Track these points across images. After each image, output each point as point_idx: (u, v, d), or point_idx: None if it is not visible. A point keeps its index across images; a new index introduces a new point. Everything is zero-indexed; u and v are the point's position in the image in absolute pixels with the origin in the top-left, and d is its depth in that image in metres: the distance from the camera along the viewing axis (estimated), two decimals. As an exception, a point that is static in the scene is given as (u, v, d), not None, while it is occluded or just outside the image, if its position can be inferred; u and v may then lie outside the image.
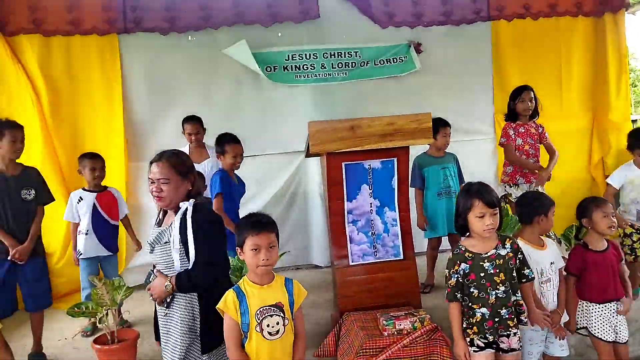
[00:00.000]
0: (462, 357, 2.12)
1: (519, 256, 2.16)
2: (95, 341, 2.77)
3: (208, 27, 4.69)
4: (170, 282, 1.97)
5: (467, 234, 2.17)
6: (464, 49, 5.16)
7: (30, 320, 3.16)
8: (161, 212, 2.21)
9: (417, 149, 3.73)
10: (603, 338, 2.43)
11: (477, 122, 5.21)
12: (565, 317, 2.41)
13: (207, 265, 1.99)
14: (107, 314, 2.75)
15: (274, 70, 4.88)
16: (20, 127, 3.04)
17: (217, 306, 1.90)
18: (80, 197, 3.47)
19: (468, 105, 5.16)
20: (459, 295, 2.12)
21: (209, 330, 2.01)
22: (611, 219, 2.43)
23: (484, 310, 2.08)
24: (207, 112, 4.42)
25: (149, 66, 4.66)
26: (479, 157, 5.15)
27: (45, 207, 3.24)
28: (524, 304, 2.16)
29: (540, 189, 3.77)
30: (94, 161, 3.49)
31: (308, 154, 3.21)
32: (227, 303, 1.87)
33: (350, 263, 3.05)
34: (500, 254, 2.10)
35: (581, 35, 5.31)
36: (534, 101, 3.88)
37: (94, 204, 3.46)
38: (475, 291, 2.09)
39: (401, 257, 3.12)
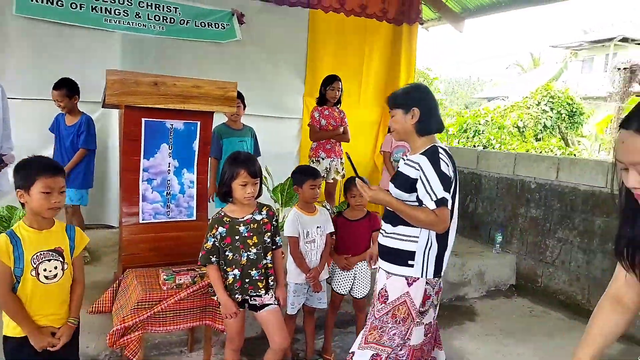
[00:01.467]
0: (231, 315, 2.24)
1: (274, 223, 2.33)
2: None
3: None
4: None
5: (230, 199, 2.27)
6: (284, 29, 5.44)
7: None
8: None
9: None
10: (338, 291, 3.00)
11: (288, 101, 5.55)
12: (324, 275, 2.85)
13: None
14: None
15: (80, 9, 4.41)
16: None
17: None
18: None
19: (281, 85, 5.47)
20: (213, 258, 2.23)
21: None
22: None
23: (236, 272, 2.24)
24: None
25: None
26: (285, 134, 5.54)
27: None
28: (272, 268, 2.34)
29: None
30: None
31: (104, 105, 3.03)
32: None
33: (140, 221, 3.02)
34: (255, 219, 2.28)
35: (382, 39, 6.07)
36: (341, 90, 4.48)
37: None
38: (230, 254, 2.24)
39: (194, 218, 3.21)
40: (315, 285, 2.73)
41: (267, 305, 2.33)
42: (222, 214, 2.27)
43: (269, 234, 2.31)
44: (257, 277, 2.27)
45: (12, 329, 1.85)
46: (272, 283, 2.35)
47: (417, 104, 2.11)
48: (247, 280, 2.25)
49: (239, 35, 5.14)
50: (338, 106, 4.58)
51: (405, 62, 6.14)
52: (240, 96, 3.93)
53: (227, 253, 2.24)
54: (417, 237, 2.11)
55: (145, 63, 4.60)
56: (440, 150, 2.09)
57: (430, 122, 2.13)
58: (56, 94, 3.59)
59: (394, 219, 2.14)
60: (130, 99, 2.82)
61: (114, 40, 4.59)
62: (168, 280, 2.54)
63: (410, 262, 2.10)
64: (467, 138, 11.87)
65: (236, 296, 2.27)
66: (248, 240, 2.25)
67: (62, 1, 4.36)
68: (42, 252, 1.83)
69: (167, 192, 3.14)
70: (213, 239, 2.24)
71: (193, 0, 4.93)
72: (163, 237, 3.04)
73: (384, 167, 4.80)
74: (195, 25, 4.94)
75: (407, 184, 2.08)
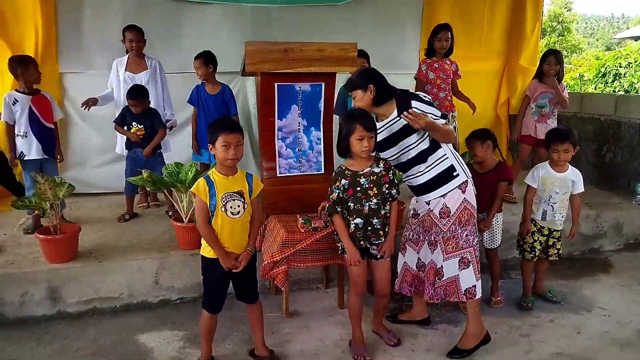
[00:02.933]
0: (355, 262, 2.45)
1: (390, 175, 2.47)
2: (39, 232, 3.01)
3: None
4: None
5: (349, 154, 2.44)
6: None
7: None
8: None
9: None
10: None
11: (404, 57, 5.56)
12: None
13: None
14: (51, 207, 2.97)
15: (213, -13, 4.89)
16: None
17: (190, 190, 2.34)
18: (15, 99, 3.49)
19: (397, 39, 5.50)
20: (339, 208, 2.44)
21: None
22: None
23: (358, 220, 2.42)
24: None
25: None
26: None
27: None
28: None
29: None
30: (30, 64, 3.50)
31: (244, 73, 3.43)
32: (199, 187, 2.26)
33: (278, 175, 3.42)
34: (374, 172, 2.42)
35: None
36: (449, 40, 4.20)
37: (30, 106, 3.51)
38: (352, 204, 2.41)
39: (322, 171, 3.52)
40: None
41: (382, 256, 2.54)
42: (344, 167, 2.48)
43: (387, 185, 2.47)
44: (378, 226, 2.46)
45: (208, 251, 2.33)
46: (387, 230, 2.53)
47: (371, 82, 2.52)
48: (369, 228, 2.46)
49: (354, -5, 5.26)
50: (449, 57, 4.32)
51: (531, 5, 5.73)
52: (364, 55, 4.08)
53: (349, 204, 2.43)
54: (445, 153, 2.56)
55: (271, 32, 4.98)
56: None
57: (384, 93, 2.54)
58: (195, 63, 4.06)
59: (421, 157, 2.54)
60: (265, 66, 3.15)
61: (244, 14, 5.01)
62: (305, 224, 2.90)
63: (454, 174, 2.54)
64: (606, 83, 10.63)
65: (361, 242, 2.48)
66: (369, 191, 2.43)
67: (197, -18, 4.86)
68: (229, 194, 2.27)
69: (298, 149, 3.48)
70: (337, 191, 2.45)
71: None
72: (297, 189, 3.40)
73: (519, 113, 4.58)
74: (313, -9, 5.17)
75: (406, 130, 2.48)
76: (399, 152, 2.59)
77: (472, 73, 5.05)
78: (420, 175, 2.58)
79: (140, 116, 3.84)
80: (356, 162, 2.45)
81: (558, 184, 3.06)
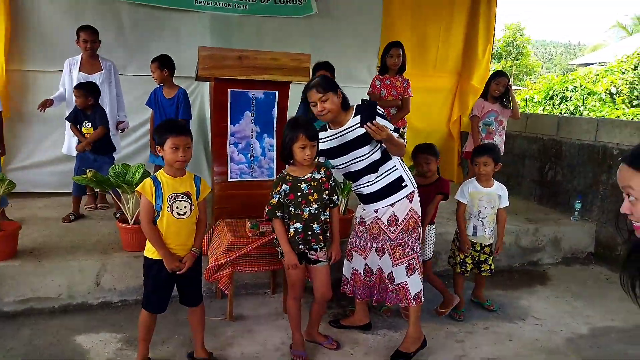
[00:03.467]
0: (292, 266, 2.50)
1: (331, 182, 2.54)
2: (-25, 230, 2.92)
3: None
4: None
5: (291, 161, 2.49)
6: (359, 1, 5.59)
7: None
8: None
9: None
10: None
11: (360, 72, 5.70)
12: None
13: None
14: (-12, 203, 2.89)
15: (174, -8, 4.91)
16: None
17: (136, 189, 2.31)
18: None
19: (355, 54, 5.65)
20: (279, 213, 2.48)
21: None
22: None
23: (297, 225, 2.47)
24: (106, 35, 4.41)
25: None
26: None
27: None
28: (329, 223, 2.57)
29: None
30: None
31: (198, 78, 3.46)
32: (145, 187, 2.27)
33: (229, 179, 3.45)
34: (315, 178, 2.49)
35: (462, 3, 5.97)
36: (401, 57, 4.30)
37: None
38: (292, 209, 2.47)
39: (274, 177, 3.57)
40: None
41: (320, 261, 2.59)
42: (285, 173, 2.53)
43: (327, 191, 2.54)
44: (318, 231, 2.52)
45: (152, 252, 2.33)
46: (328, 236, 2.59)
47: (338, 86, 2.64)
48: (309, 232, 2.51)
49: (315, 9, 5.39)
50: (401, 74, 4.39)
51: (483, 25, 6.03)
52: (330, 67, 4.07)
53: (290, 208, 2.47)
54: (394, 165, 2.67)
55: (230, 40, 5.03)
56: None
57: (345, 100, 2.66)
58: (151, 66, 4.09)
59: (372, 167, 2.63)
60: (218, 72, 3.20)
61: (203, 20, 5.06)
62: (253, 228, 2.94)
63: (403, 184, 2.66)
64: (553, 105, 11.23)
65: (299, 247, 2.51)
66: (309, 197, 2.48)
67: (158, -14, 4.88)
68: (175, 194, 2.29)
69: (250, 155, 3.52)
70: (278, 196, 2.47)
71: (274, -22, 5.24)
72: (248, 194, 3.44)
73: (470, 132, 4.74)
74: (275, 3, 5.27)
75: (361, 140, 2.57)
76: (349, 162, 2.66)
77: (427, 90, 5.26)
78: (370, 185, 2.66)
79: (90, 115, 3.80)
80: (298, 168, 2.50)
81: (485, 199, 3.20)
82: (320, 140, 2.56)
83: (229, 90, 3.32)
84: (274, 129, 3.54)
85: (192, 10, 5.02)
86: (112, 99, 4.24)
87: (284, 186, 2.49)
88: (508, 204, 3.27)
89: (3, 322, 2.87)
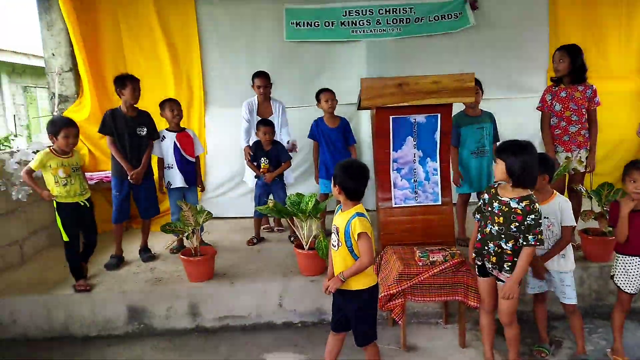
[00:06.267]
0: (542, 276, 2.72)
1: (527, 218, 2.36)
2: (182, 254, 3.45)
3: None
4: None
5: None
6: (519, 4, 5.22)
7: (142, 225, 4.07)
8: None
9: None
10: (623, 289, 2.71)
11: (528, 80, 5.29)
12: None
13: None
14: (192, 232, 3.40)
15: (332, 26, 5.20)
16: (138, 80, 3.82)
17: (359, 231, 2.31)
18: (163, 136, 4.06)
19: (521, 63, 5.26)
20: (478, 216, 2.62)
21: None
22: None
23: (479, 236, 2.61)
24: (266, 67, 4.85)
25: (221, 22, 5.19)
26: (527, 115, 5.29)
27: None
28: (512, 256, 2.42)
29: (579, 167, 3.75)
30: (172, 104, 4.05)
31: (360, 107, 3.59)
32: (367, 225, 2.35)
33: (393, 205, 3.48)
34: (510, 205, 2.41)
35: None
36: (565, 62, 3.61)
37: (175, 142, 4.04)
38: (483, 220, 2.58)
39: (439, 202, 3.50)
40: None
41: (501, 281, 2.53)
42: (495, 185, 2.56)
43: (516, 224, 2.39)
44: (492, 252, 2.50)
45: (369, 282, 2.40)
46: (507, 267, 2.46)
47: None
48: (485, 248, 2.54)
49: (472, 21, 5.18)
50: (582, 82, 3.64)
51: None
52: (477, 82, 3.96)
53: (484, 215, 2.59)
54: None
55: (387, 64, 5.12)
56: None
57: None
58: (326, 96, 4.27)
59: None
60: (380, 100, 3.28)
61: (360, 48, 5.24)
62: (423, 257, 2.91)
63: None
64: None
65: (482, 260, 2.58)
66: (495, 217, 2.46)
67: (318, 22, 5.21)
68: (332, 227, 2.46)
69: (414, 180, 3.52)
70: (481, 200, 2.63)
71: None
72: (414, 220, 3.44)
73: None
74: (429, 20, 5.22)
75: None
76: None
77: (608, 93, 4.62)
78: None
79: (269, 152, 4.21)
80: (506, 191, 2.48)
81: None
82: None
83: (390, 117, 3.37)
84: (437, 152, 3.48)
85: (350, 40, 5.23)
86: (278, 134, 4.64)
87: (485, 195, 2.60)
88: None
89: (204, 337, 3.31)
